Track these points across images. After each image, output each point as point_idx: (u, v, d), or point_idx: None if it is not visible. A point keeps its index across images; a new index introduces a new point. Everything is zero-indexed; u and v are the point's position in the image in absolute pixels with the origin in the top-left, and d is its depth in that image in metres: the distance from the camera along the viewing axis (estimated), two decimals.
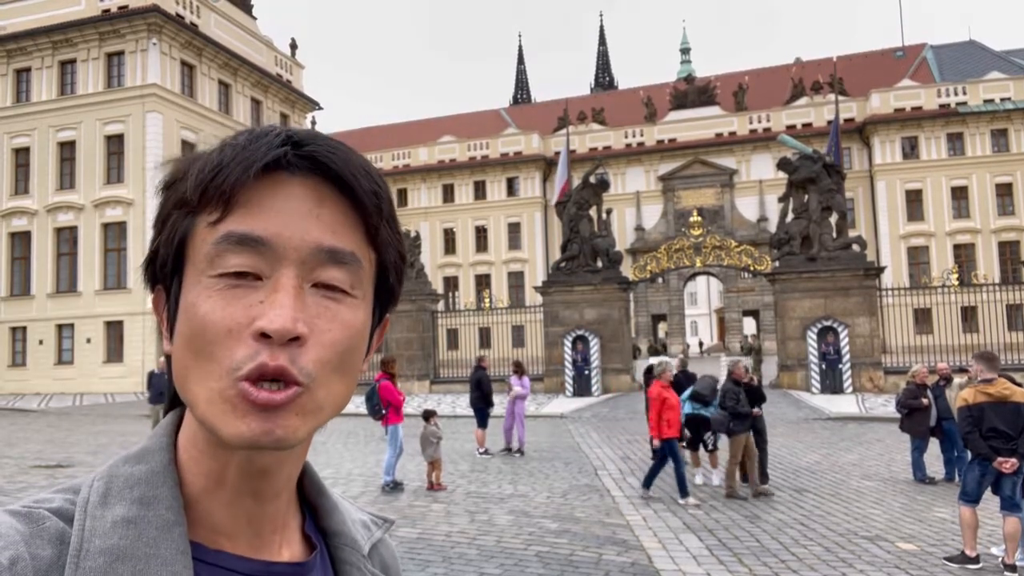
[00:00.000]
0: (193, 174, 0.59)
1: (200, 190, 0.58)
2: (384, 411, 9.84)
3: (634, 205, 49.78)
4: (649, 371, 13.95)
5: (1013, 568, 6.14)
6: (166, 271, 0.62)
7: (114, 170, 32.22)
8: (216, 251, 0.57)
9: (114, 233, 31.99)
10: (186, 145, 33.21)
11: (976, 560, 6.28)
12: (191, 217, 0.59)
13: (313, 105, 43.65)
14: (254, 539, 0.63)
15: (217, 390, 0.56)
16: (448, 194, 52.44)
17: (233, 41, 36.73)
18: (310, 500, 0.71)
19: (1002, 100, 42.74)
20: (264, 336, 0.55)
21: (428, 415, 10.12)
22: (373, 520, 0.76)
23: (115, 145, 32.21)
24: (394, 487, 9.74)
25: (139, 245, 30.91)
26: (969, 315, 28.46)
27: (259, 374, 0.55)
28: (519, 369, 13.46)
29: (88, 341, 31.38)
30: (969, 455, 6.62)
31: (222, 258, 0.57)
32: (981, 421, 6.26)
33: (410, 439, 11.93)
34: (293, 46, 43.39)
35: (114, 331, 31.13)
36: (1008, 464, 6.10)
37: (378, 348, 0.71)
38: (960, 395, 6.57)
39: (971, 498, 6.38)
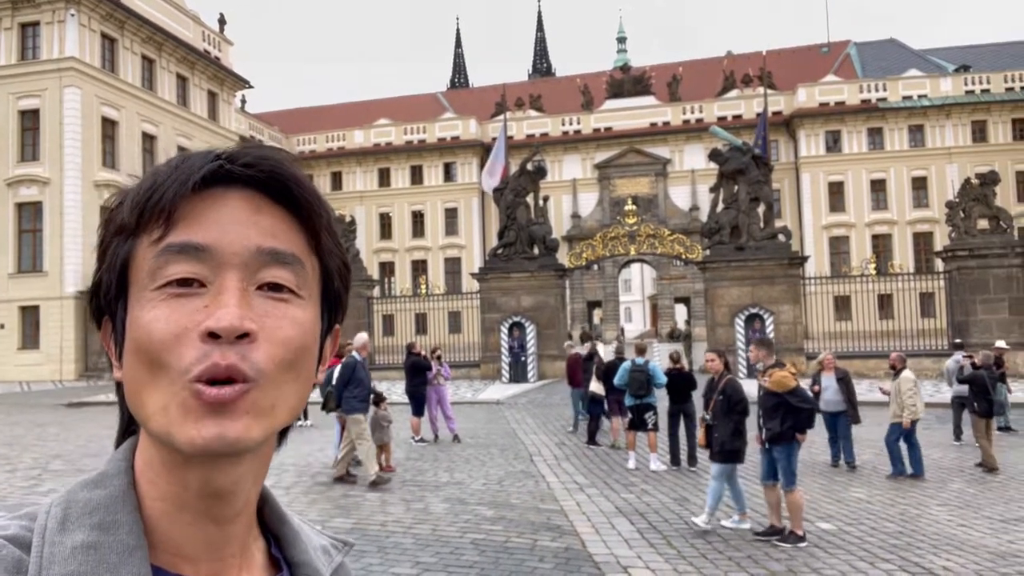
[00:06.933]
0: (128, 199, 0.61)
1: (137, 211, 0.59)
2: None
3: (570, 193, 50.14)
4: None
5: (803, 538, 6.69)
6: (110, 298, 0.62)
7: (29, 147, 30.54)
8: (157, 264, 0.58)
9: (29, 213, 30.38)
10: (106, 122, 31.68)
11: (804, 538, 6.72)
12: (131, 240, 0.60)
13: (243, 83, 42.28)
14: (215, 563, 0.63)
15: (170, 394, 0.56)
16: (384, 178, 51.69)
17: (157, 14, 35.17)
18: (272, 529, 0.71)
19: (919, 97, 44.71)
20: (212, 336, 0.56)
21: (379, 400, 10.28)
22: (333, 544, 0.76)
23: (30, 121, 30.52)
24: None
25: (56, 226, 29.45)
26: (885, 302, 29.92)
27: (211, 375, 0.55)
28: (436, 356, 13.47)
29: (1, 327, 29.82)
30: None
31: (163, 269, 0.58)
32: None
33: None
34: (222, 21, 41.88)
35: (29, 316, 29.64)
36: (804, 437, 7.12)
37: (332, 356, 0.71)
38: (783, 376, 7.05)
39: (796, 479, 6.96)
